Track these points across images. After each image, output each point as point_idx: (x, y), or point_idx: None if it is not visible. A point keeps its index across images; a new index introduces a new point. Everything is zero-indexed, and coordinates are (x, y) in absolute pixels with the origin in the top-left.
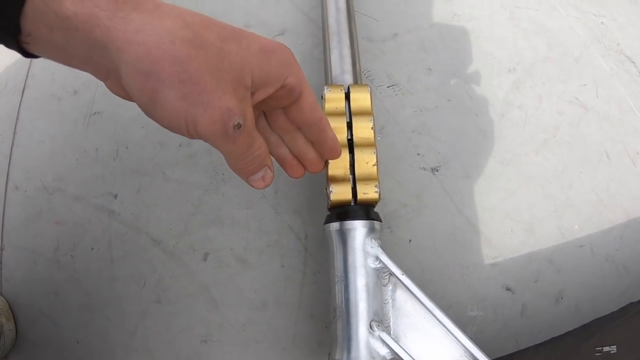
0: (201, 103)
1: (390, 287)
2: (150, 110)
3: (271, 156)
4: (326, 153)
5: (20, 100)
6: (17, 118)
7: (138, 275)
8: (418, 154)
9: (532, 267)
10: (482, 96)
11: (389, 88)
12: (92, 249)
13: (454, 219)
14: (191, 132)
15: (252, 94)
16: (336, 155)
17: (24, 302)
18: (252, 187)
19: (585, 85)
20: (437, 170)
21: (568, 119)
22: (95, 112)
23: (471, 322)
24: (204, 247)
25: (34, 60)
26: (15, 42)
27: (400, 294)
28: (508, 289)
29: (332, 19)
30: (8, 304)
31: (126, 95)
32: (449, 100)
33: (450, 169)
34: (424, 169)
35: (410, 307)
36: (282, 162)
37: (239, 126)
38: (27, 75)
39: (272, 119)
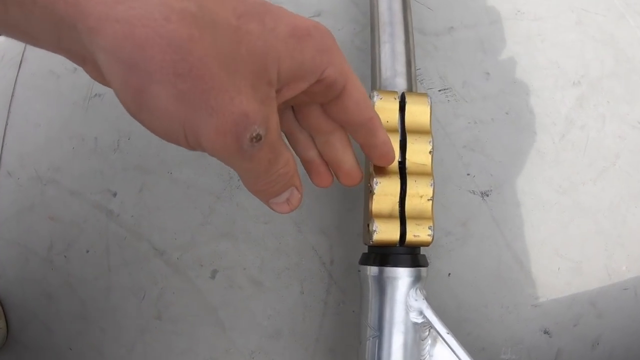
0: (206, 106)
1: (429, 342)
2: (137, 114)
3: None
4: (376, 159)
5: (17, 75)
6: (13, 95)
7: (137, 287)
8: (468, 174)
9: (574, 310)
10: (543, 111)
11: (440, 92)
12: (88, 251)
13: (501, 252)
14: (192, 145)
15: (278, 91)
16: (389, 162)
17: (16, 302)
18: (274, 211)
19: None
20: (488, 195)
21: (629, 146)
22: (95, 94)
23: None
24: (213, 263)
25: None
26: None
27: (440, 350)
28: (546, 332)
29: (384, 5)
30: (0, 301)
31: None
32: (507, 113)
33: (501, 194)
34: (474, 192)
35: None
36: (307, 166)
37: (258, 138)
38: (25, 47)
39: (304, 115)
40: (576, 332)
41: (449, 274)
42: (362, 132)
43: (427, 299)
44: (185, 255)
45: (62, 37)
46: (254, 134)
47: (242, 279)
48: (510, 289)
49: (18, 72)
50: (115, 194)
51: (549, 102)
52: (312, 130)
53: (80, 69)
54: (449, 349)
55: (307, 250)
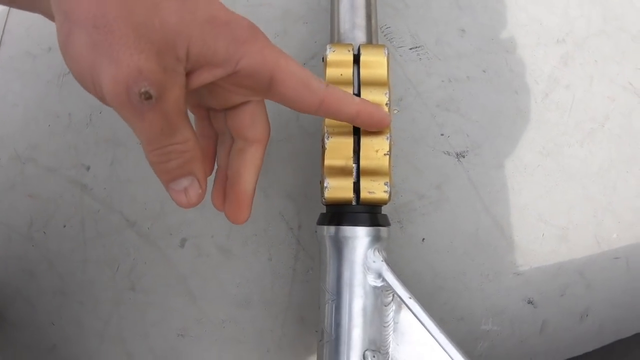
0: (109, 56)
1: (393, 308)
2: (64, 55)
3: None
4: (367, 128)
5: None
6: None
7: (111, 259)
8: (442, 135)
9: (560, 280)
10: (524, 69)
11: (411, 50)
12: (65, 226)
13: (479, 216)
14: (97, 92)
15: (191, 72)
16: (381, 126)
17: (1, 280)
18: (174, 200)
19: None
20: (464, 157)
21: (620, 108)
22: (69, 72)
23: (484, 336)
24: (182, 232)
25: (10, 14)
26: None
27: (405, 317)
28: (530, 302)
29: None
30: None
31: None
32: (484, 71)
33: (479, 156)
34: (448, 153)
35: (415, 334)
36: (217, 174)
37: (147, 96)
38: (2, 31)
39: (236, 114)
40: (563, 302)
41: (423, 239)
42: (323, 116)
43: (387, 261)
44: (155, 225)
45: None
46: (143, 90)
47: (211, 247)
48: (489, 256)
49: None
50: (88, 168)
51: (531, 60)
52: (234, 132)
53: (54, 47)
54: (414, 315)
55: (275, 216)
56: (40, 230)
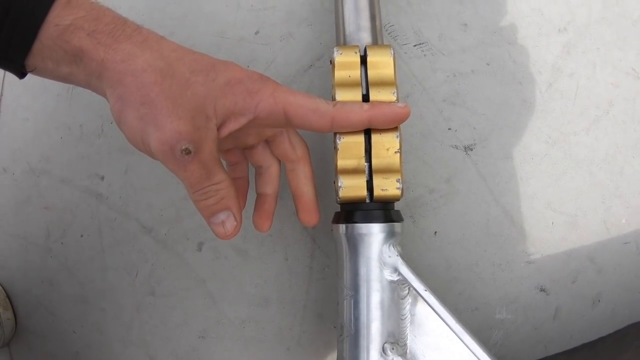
0: (154, 124)
1: (410, 301)
2: (118, 125)
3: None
4: (381, 126)
5: (4, 75)
6: (2, 95)
7: (130, 265)
8: (449, 129)
9: (571, 266)
10: (527, 60)
11: (416, 47)
12: (82, 235)
13: (489, 208)
14: (147, 150)
15: (222, 124)
16: (402, 118)
17: (20, 291)
18: (214, 233)
19: None
20: (472, 149)
21: (624, 94)
22: None
23: (498, 325)
24: (199, 235)
25: None
26: (18, 73)
27: (421, 309)
28: (542, 290)
29: None
30: (5, 292)
31: None
32: (488, 64)
33: (487, 148)
34: (456, 147)
35: (432, 325)
36: (258, 200)
37: (187, 151)
38: None
39: (275, 145)
40: (575, 289)
41: (435, 232)
42: (339, 130)
43: (402, 255)
44: (172, 230)
45: (91, 81)
46: (183, 147)
47: (227, 249)
48: (501, 246)
49: (5, 72)
50: (103, 178)
51: (534, 51)
52: (282, 157)
53: None
54: (429, 307)
55: (289, 216)
56: (58, 240)
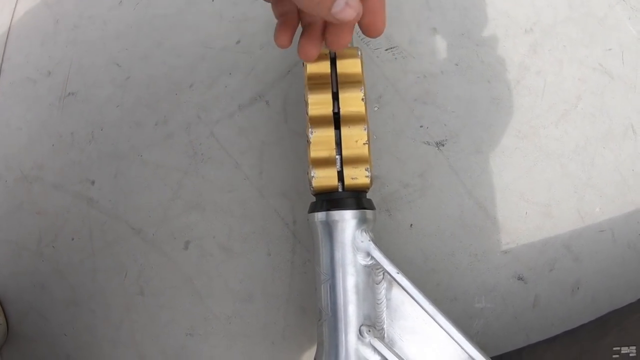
0: None
1: (385, 286)
2: None
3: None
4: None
5: None
6: None
7: (119, 266)
8: (421, 127)
9: (548, 255)
10: (495, 60)
11: (387, 51)
12: (73, 239)
13: (462, 200)
14: None
15: None
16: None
17: (12, 297)
18: (340, 20)
19: (610, 50)
20: (443, 145)
21: (591, 88)
22: (69, 93)
23: (478, 314)
24: (185, 235)
25: (8, 41)
26: None
27: (396, 294)
28: (520, 279)
29: None
30: None
31: None
32: (457, 65)
33: (458, 144)
34: (428, 143)
35: (407, 308)
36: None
37: None
38: (2, 59)
39: None
40: (553, 277)
41: (411, 225)
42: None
43: (374, 240)
44: (160, 230)
45: None
46: None
47: (213, 247)
48: (476, 237)
49: None
50: (93, 182)
51: (501, 51)
52: None
53: (53, 71)
54: (404, 290)
55: (271, 214)
56: (50, 245)
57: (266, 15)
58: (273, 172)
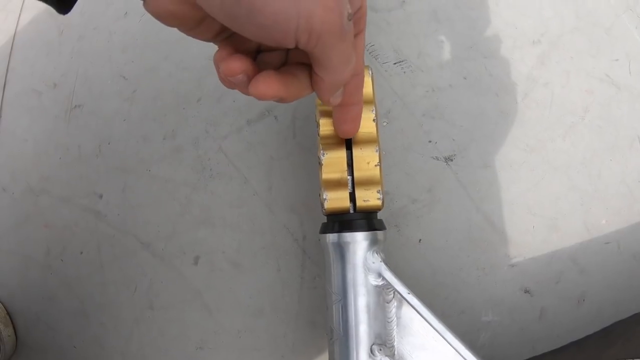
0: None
1: (395, 304)
2: (244, 16)
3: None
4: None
5: (2, 97)
6: (0, 116)
7: (129, 280)
8: (430, 142)
9: (554, 268)
10: (503, 72)
11: (396, 65)
12: (82, 252)
13: (470, 215)
14: (302, 29)
15: None
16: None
17: (20, 308)
18: (330, 104)
19: (617, 60)
20: (452, 160)
21: (598, 99)
22: (75, 106)
23: (485, 327)
24: (194, 250)
25: (13, 53)
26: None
27: (406, 312)
28: (526, 292)
29: None
30: (6, 309)
31: (176, 11)
32: (465, 78)
33: (466, 158)
34: (437, 158)
35: (417, 326)
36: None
37: (350, 16)
38: (7, 70)
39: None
40: (559, 289)
41: (420, 240)
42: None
43: (385, 261)
44: (169, 245)
45: None
46: (349, 11)
47: (222, 262)
48: (484, 251)
49: (3, 94)
50: (101, 196)
51: (509, 63)
52: None
53: (59, 83)
54: (413, 308)
55: (280, 229)
56: (58, 257)
57: None
58: (282, 188)
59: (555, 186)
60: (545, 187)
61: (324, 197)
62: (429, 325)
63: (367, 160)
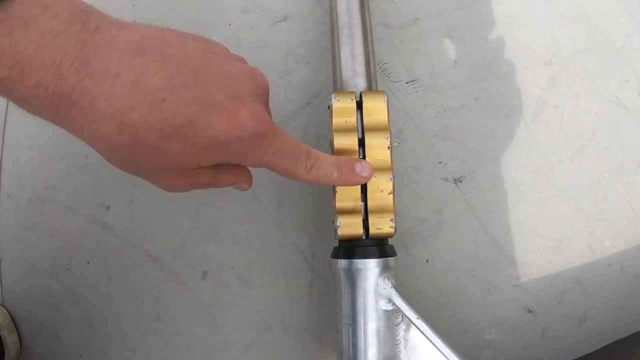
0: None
1: (403, 327)
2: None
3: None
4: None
5: (7, 103)
6: (5, 122)
7: (136, 292)
8: (440, 163)
9: (557, 288)
10: (514, 94)
11: (408, 84)
12: (88, 263)
13: (477, 236)
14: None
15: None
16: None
17: (26, 315)
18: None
19: (626, 81)
20: (461, 181)
21: (607, 122)
22: None
23: (488, 345)
24: (203, 265)
25: None
26: None
27: (414, 335)
28: (529, 311)
29: (342, 7)
30: (11, 316)
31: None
32: (476, 99)
33: (475, 180)
34: (446, 179)
35: (424, 349)
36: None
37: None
38: None
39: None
40: (561, 309)
41: (427, 260)
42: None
43: (396, 287)
44: (177, 259)
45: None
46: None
47: (231, 277)
48: (489, 271)
49: (8, 101)
50: (108, 207)
51: (520, 84)
52: None
53: None
54: (421, 333)
55: (289, 247)
56: (64, 267)
57: (286, 41)
58: (292, 206)
59: (561, 208)
60: (552, 209)
61: (338, 223)
62: (435, 348)
63: (380, 188)
